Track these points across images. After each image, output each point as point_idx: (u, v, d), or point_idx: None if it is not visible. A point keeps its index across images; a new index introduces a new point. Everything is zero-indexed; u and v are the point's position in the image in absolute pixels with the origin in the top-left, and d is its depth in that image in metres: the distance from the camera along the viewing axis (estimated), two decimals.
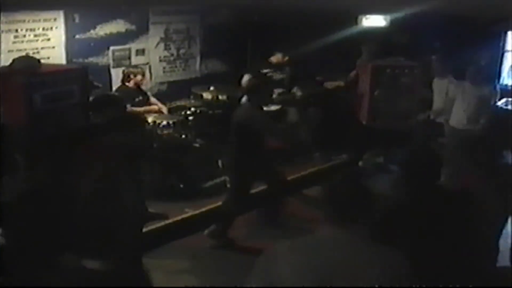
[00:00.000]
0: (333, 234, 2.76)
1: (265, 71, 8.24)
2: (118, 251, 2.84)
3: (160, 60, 8.81)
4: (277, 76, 8.30)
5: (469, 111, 7.11)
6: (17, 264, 2.86)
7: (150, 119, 7.23)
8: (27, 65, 5.66)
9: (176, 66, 9.05)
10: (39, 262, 2.80)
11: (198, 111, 7.92)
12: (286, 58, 8.38)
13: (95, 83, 7.39)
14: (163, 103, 7.90)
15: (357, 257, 2.69)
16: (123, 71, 7.54)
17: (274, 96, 8.18)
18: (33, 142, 5.20)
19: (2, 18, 6.50)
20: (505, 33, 8.73)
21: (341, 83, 8.69)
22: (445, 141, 7.44)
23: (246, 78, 8.10)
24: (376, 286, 2.72)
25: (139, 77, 7.47)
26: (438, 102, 7.64)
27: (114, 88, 7.75)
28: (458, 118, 7.21)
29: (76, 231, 2.77)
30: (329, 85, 8.78)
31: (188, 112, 7.84)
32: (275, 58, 8.30)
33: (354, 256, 2.70)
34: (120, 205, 3.10)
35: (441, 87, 7.59)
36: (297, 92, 8.41)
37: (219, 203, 6.28)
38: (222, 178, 7.03)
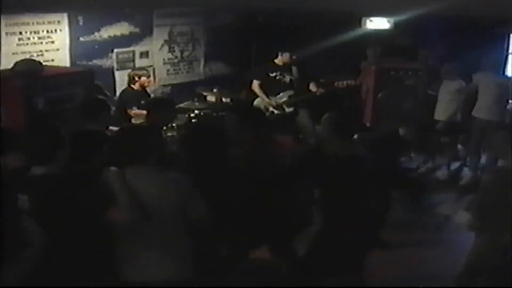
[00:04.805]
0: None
1: (272, 74, 8.19)
2: None
3: (164, 63, 8.83)
4: (286, 78, 8.23)
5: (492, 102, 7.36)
6: None
7: None
8: (28, 68, 5.69)
9: (180, 69, 9.07)
10: None
11: (202, 113, 7.91)
12: (294, 57, 8.27)
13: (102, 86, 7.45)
14: None
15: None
16: (129, 74, 7.54)
17: (285, 99, 8.18)
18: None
19: (6, 20, 6.54)
20: (509, 35, 8.68)
21: (353, 82, 8.57)
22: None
23: (255, 83, 8.11)
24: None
25: (144, 79, 7.47)
26: (452, 104, 7.62)
27: (118, 91, 7.78)
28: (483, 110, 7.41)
29: None
30: (341, 84, 8.62)
31: (192, 115, 7.84)
32: (281, 59, 8.20)
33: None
34: None
35: (452, 88, 7.56)
36: (313, 88, 8.31)
37: None
38: None
